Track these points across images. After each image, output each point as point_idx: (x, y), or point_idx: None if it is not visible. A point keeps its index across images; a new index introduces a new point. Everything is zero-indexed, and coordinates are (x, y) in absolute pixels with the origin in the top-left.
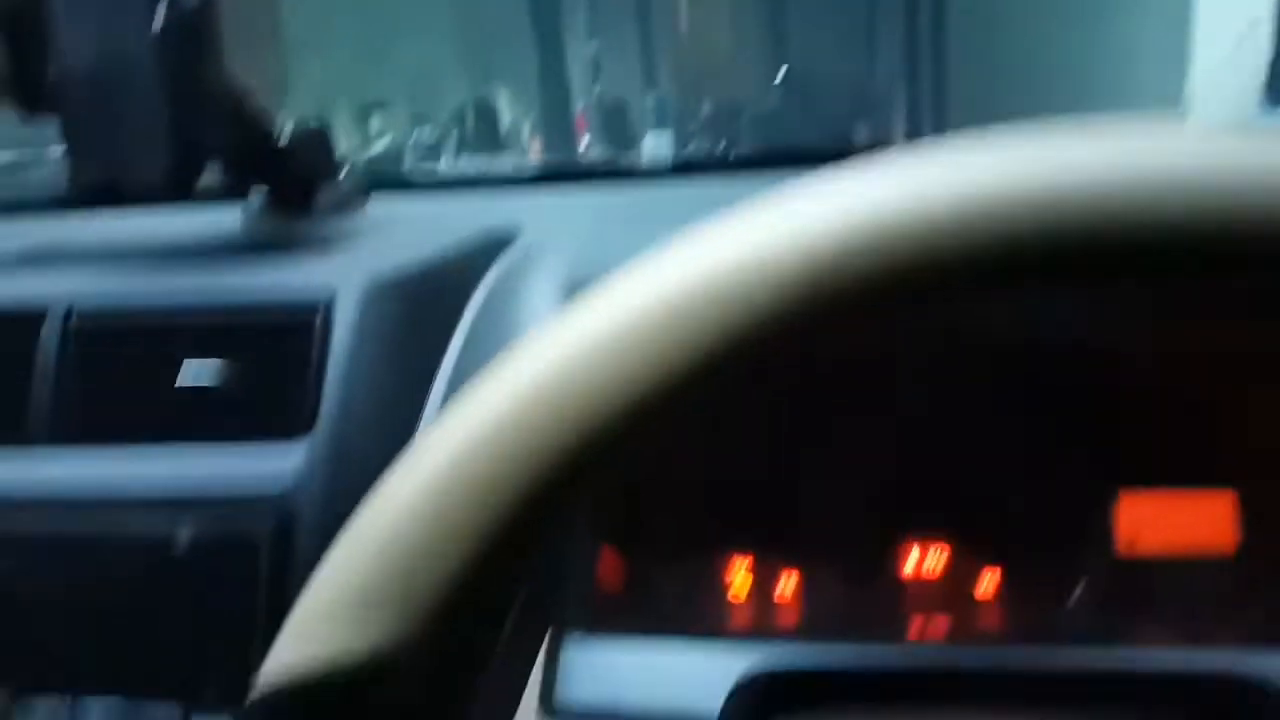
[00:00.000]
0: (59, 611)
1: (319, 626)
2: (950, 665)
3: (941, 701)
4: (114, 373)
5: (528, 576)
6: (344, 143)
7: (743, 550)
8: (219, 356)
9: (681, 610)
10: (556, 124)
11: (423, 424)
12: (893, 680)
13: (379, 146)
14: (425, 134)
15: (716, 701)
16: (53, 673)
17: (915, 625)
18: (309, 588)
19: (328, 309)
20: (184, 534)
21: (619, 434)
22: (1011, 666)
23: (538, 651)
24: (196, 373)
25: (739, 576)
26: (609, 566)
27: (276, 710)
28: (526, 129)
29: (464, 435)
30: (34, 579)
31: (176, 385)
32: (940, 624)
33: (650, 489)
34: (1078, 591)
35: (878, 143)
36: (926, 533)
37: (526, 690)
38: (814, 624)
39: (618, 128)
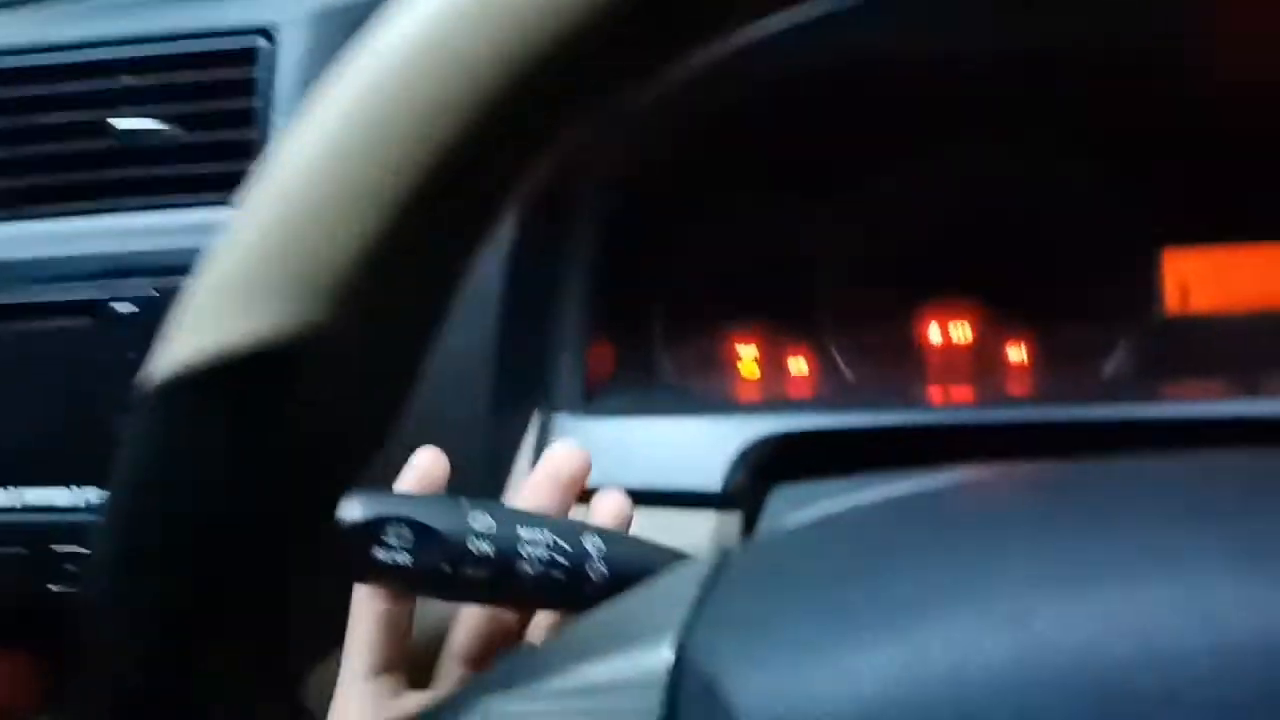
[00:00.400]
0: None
1: (215, 316)
2: (977, 423)
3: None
4: (44, 127)
5: (448, 245)
6: None
7: (751, 325)
8: (155, 103)
9: (682, 389)
10: None
11: None
12: (914, 440)
13: None
14: None
15: (718, 472)
16: None
17: (939, 392)
18: (201, 275)
19: (270, 39)
20: (119, 305)
21: (536, 65)
22: (1043, 420)
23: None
24: (132, 124)
25: (747, 352)
26: (600, 352)
27: (170, 406)
28: None
29: (356, 87)
30: None
31: (110, 140)
32: (966, 390)
33: (649, 265)
34: (1118, 353)
35: None
36: (952, 298)
37: (515, 470)
38: (829, 397)
39: None
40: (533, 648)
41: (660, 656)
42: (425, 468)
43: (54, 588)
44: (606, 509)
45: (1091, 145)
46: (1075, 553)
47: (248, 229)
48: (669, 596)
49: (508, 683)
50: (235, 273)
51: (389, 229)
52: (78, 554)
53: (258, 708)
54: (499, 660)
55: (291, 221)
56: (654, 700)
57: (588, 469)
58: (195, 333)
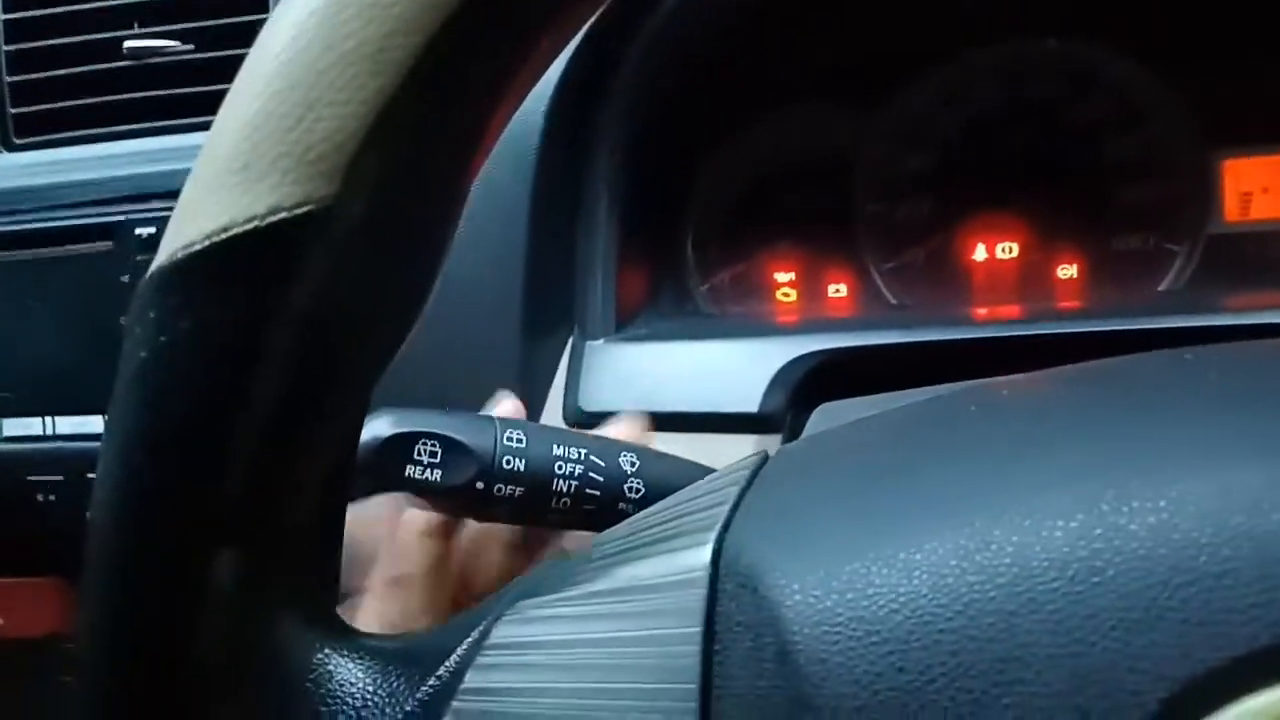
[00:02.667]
0: (23, 324)
1: (210, 199)
2: (1024, 336)
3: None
4: (58, 50)
5: (462, 112)
6: None
7: (788, 246)
8: (168, 21)
9: (718, 315)
10: None
11: None
12: (959, 357)
13: None
14: None
15: (755, 394)
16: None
17: (985, 310)
18: (202, 155)
19: None
20: (140, 229)
21: None
22: (1094, 332)
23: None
24: (143, 49)
25: (784, 276)
26: (632, 279)
27: (177, 290)
28: None
29: None
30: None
31: (125, 61)
32: (1014, 308)
33: (680, 186)
34: (1175, 265)
35: None
36: (998, 213)
37: (549, 396)
38: (870, 318)
39: None
40: (568, 553)
41: (700, 555)
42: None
43: (90, 515)
44: (623, 435)
45: (1148, 48)
46: (1133, 440)
47: (246, 104)
48: (708, 498)
49: (546, 586)
50: (236, 151)
51: (393, 95)
52: None
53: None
54: (532, 569)
55: (292, 92)
56: (695, 598)
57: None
58: (198, 215)
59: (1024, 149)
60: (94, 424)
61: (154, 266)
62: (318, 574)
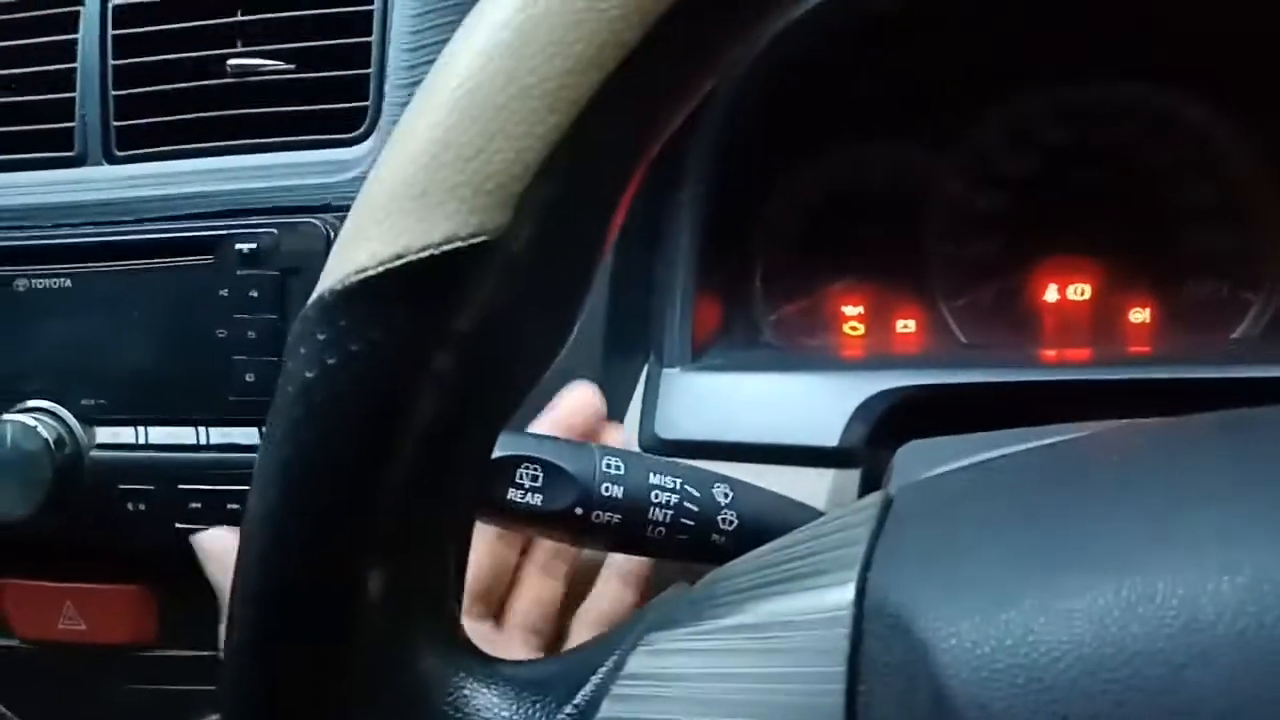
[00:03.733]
0: (119, 333)
1: (384, 224)
2: (1098, 381)
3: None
4: (163, 65)
5: (626, 147)
6: None
7: (857, 281)
8: (272, 41)
9: (788, 344)
10: None
11: None
12: (1033, 400)
13: None
14: None
15: (835, 428)
16: (118, 399)
17: (1056, 353)
18: (372, 184)
19: None
20: (240, 245)
21: None
22: (1167, 380)
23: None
24: (246, 67)
25: (853, 310)
26: (707, 309)
27: (346, 314)
28: None
29: None
30: (93, 297)
31: (229, 79)
32: (1085, 351)
33: (753, 218)
34: (1250, 314)
35: None
36: (1071, 254)
37: (625, 424)
38: (940, 356)
39: None
40: (685, 588)
41: (843, 593)
42: (583, 400)
43: (179, 525)
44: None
45: (1224, 92)
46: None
47: (425, 132)
48: (839, 535)
49: (677, 619)
50: (413, 178)
51: (568, 130)
52: (201, 492)
53: (418, 635)
54: (655, 601)
55: (473, 124)
56: (838, 636)
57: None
58: (370, 239)
59: (1097, 191)
60: (186, 435)
61: (322, 289)
62: (454, 597)
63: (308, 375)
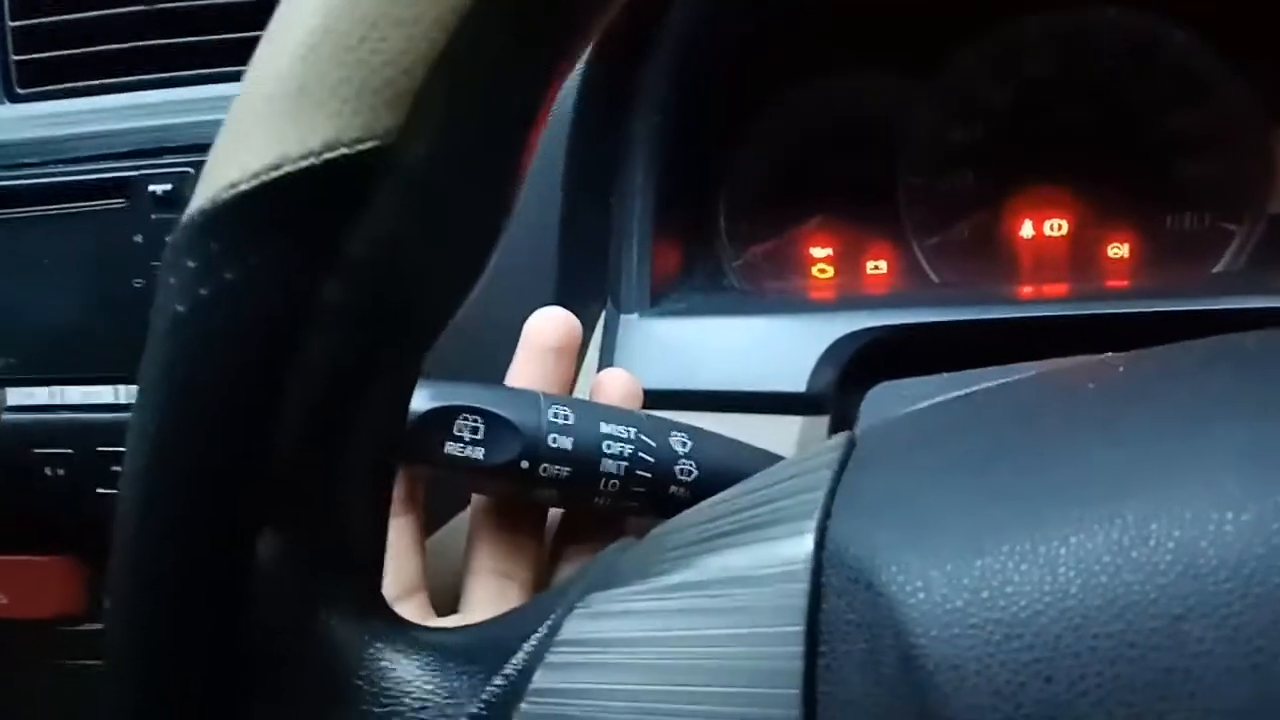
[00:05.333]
0: (28, 285)
1: (258, 130)
2: (1076, 316)
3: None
4: None
5: (540, 33)
6: None
7: (825, 220)
8: None
9: (754, 288)
10: None
11: None
12: (1007, 337)
13: None
14: None
15: (802, 373)
16: (29, 356)
17: (1032, 290)
18: (246, 84)
19: None
20: (155, 186)
21: None
22: (1147, 313)
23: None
24: None
25: (821, 251)
26: (667, 252)
27: (221, 234)
28: None
29: None
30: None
31: (137, 9)
32: (1062, 288)
33: (715, 155)
34: (1230, 247)
35: None
36: (1046, 188)
37: (581, 372)
38: (913, 296)
39: None
40: (632, 542)
41: (800, 545)
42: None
43: (101, 490)
44: (613, 389)
45: (1210, 20)
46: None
47: (301, 19)
48: (797, 481)
49: (619, 577)
50: (288, 74)
51: (471, 11)
52: (123, 454)
53: (324, 601)
54: (599, 556)
55: (354, 6)
56: (796, 592)
57: (574, 334)
58: (244, 150)
59: (1076, 122)
60: (104, 394)
61: (192, 208)
62: (368, 559)
63: (178, 309)
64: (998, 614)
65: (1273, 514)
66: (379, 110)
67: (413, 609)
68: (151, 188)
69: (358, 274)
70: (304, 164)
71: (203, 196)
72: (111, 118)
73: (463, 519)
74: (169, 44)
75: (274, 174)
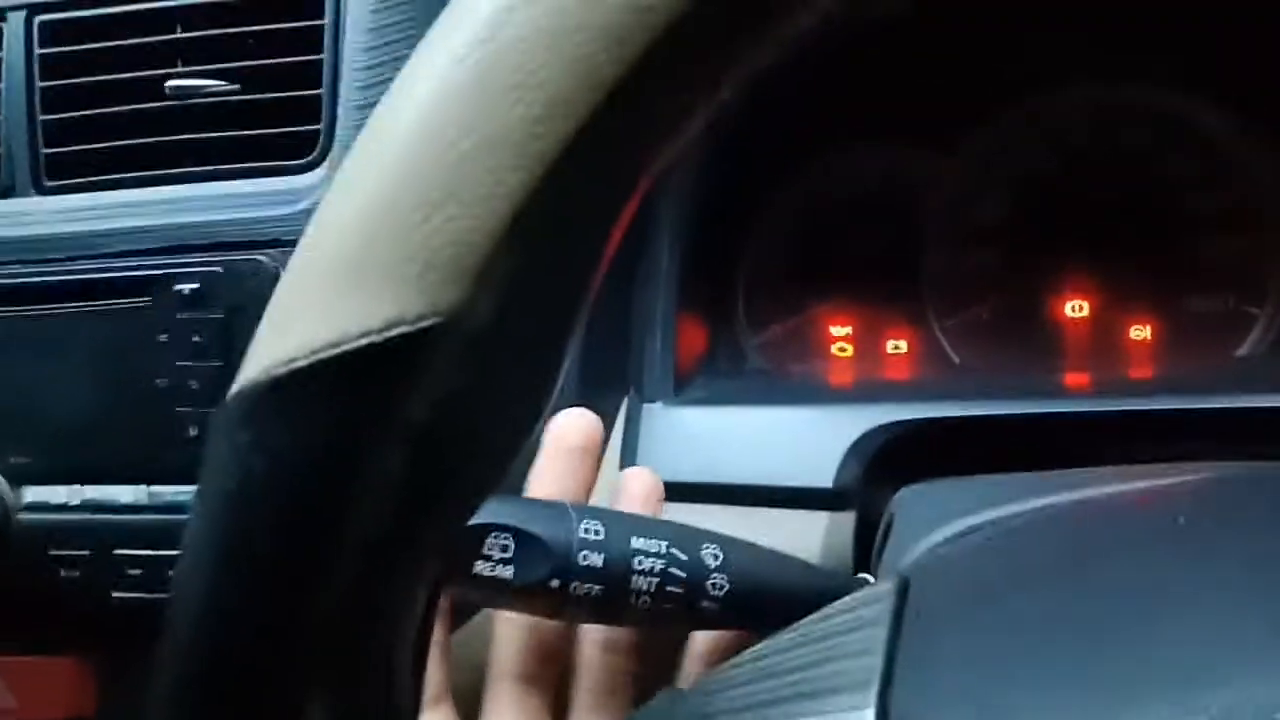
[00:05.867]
0: (50, 382)
1: (316, 305)
2: (1101, 412)
3: (1092, 454)
4: (96, 88)
5: (597, 212)
6: None
7: (845, 300)
8: (214, 60)
9: (773, 372)
10: None
11: None
12: (1031, 430)
13: None
14: None
15: (828, 468)
16: (48, 455)
17: (1055, 375)
18: (301, 255)
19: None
20: (181, 285)
21: None
22: (1167, 411)
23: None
24: (187, 88)
25: (841, 331)
26: (690, 334)
27: (276, 409)
28: None
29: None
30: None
31: (165, 104)
32: (1084, 375)
33: (735, 235)
34: (1255, 329)
35: None
36: (1068, 269)
37: (604, 463)
38: (934, 380)
39: None
40: (680, 694)
41: (862, 718)
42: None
43: (117, 594)
44: (636, 490)
45: (1233, 99)
46: None
47: (363, 193)
48: (853, 639)
49: None
50: (349, 249)
51: (535, 190)
52: (141, 558)
53: None
54: (645, 711)
55: (414, 183)
56: None
57: (598, 435)
58: (301, 323)
59: (1100, 200)
60: (124, 494)
61: (245, 380)
62: (411, 704)
63: (230, 485)
64: None
65: None
66: (443, 288)
67: (438, 718)
68: (177, 286)
69: (415, 442)
70: (363, 342)
71: (257, 368)
72: (139, 213)
73: (486, 614)
74: (197, 139)
75: (332, 352)
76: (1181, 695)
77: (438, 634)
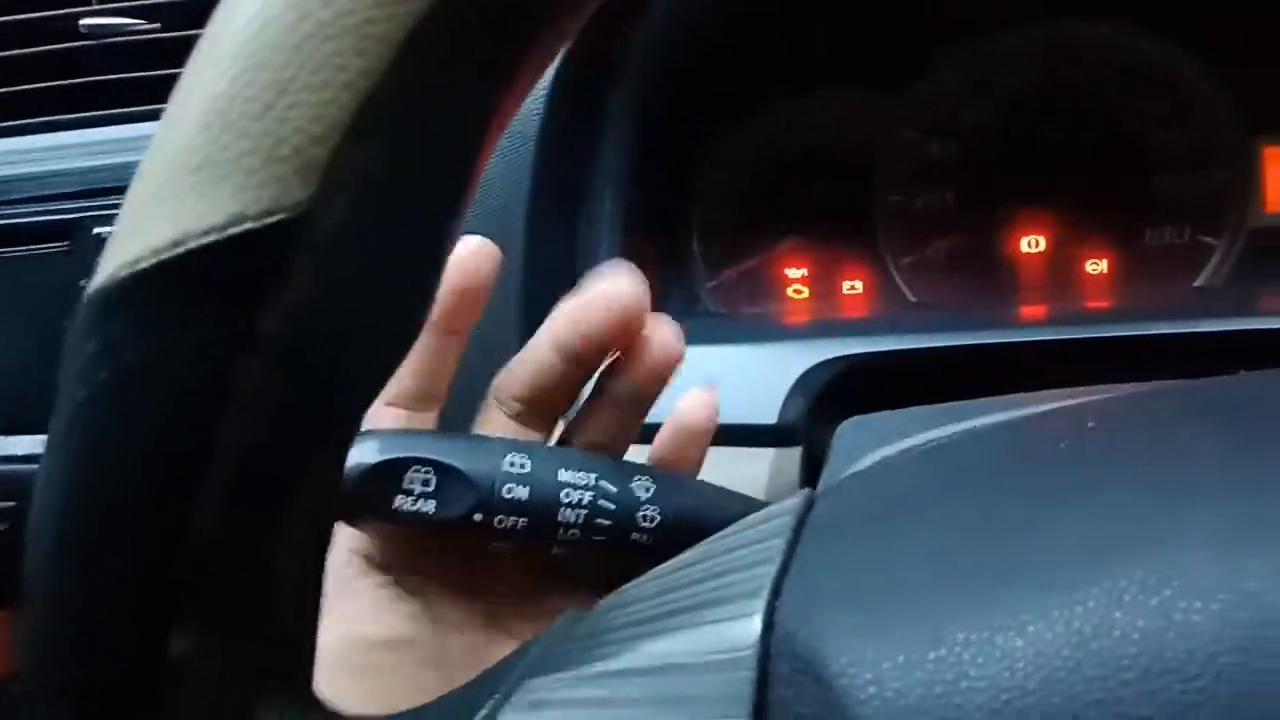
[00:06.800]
0: None
1: (159, 205)
2: (1054, 341)
3: (1047, 385)
4: (6, 33)
5: (459, 95)
6: None
7: (800, 240)
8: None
9: (729, 311)
10: None
11: None
12: (985, 362)
13: None
14: None
15: (773, 403)
16: None
17: (1011, 309)
18: (150, 155)
19: None
20: (100, 228)
21: None
22: (1127, 337)
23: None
24: (102, 27)
25: (796, 271)
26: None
27: (114, 317)
28: None
29: None
30: None
31: (79, 44)
32: (1040, 308)
33: (686, 175)
34: (1211, 260)
35: None
36: (1023, 204)
37: None
38: (889, 317)
39: None
40: (581, 616)
41: (745, 628)
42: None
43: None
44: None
45: (1188, 33)
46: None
47: (204, 87)
48: (749, 551)
49: (559, 660)
50: (191, 146)
51: (381, 77)
52: None
53: (244, 685)
54: (542, 634)
55: (259, 72)
56: (741, 681)
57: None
58: (145, 225)
59: (1055, 138)
60: (34, 444)
61: (92, 287)
62: (296, 645)
63: (81, 395)
64: (952, 712)
65: (1244, 603)
66: (287, 181)
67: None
68: (95, 230)
69: (273, 352)
70: (207, 240)
71: (103, 274)
72: (54, 157)
73: None
74: (111, 79)
75: (176, 250)
76: (1059, 586)
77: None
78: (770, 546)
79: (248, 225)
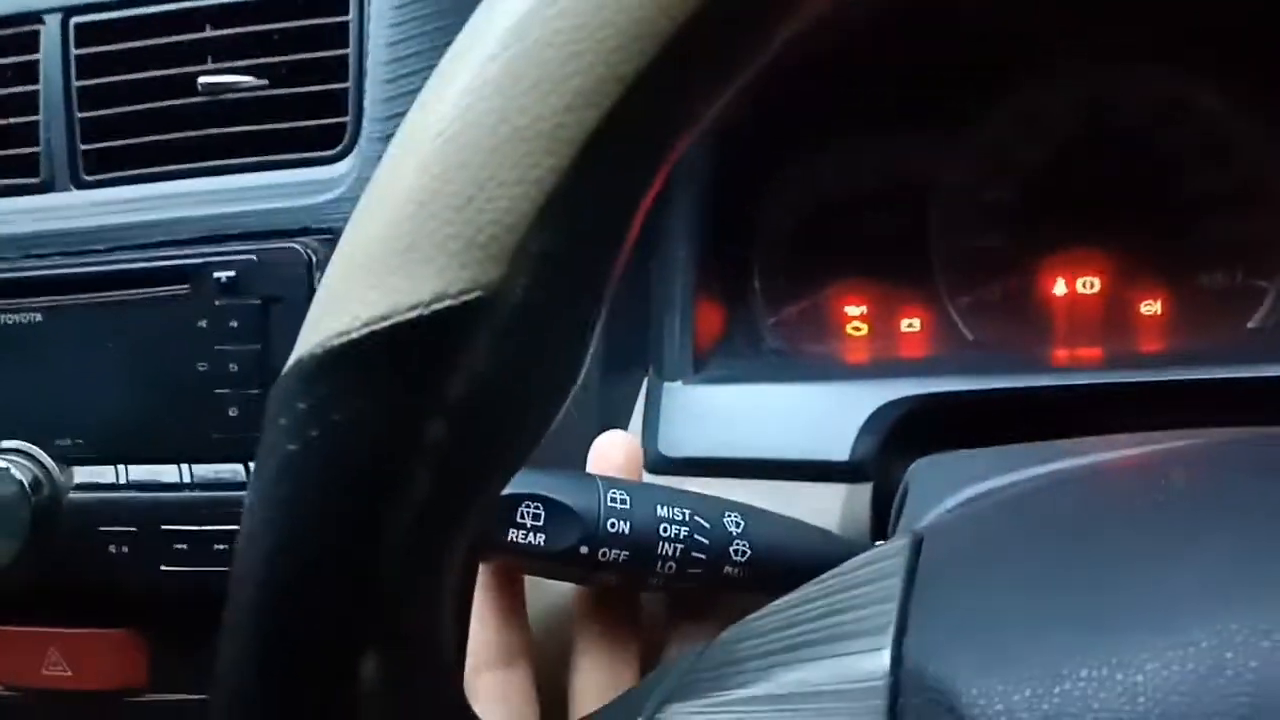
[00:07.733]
0: (95, 368)
1: (367, 282)
2: (1111, 384)
3: (1104, 426)
4: (131, 85)
5: (625, 192)
6: None
7: (859, 279)
8: (244, 56)
9: (789, 350)
10: None
11: None
12: (1043, 403)
13: None
14: None
15: (845, 441)
16: (96, 437)
17: (1067, 351)
18: (348, 239)
19: None
20: (218, 272)
21: None
22: (1179, 382)
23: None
24: (218, 85)
25: (855, 310)
26: (707, 315)
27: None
28: None
29: (520, 12)
30: (66, 331)
31: (197, 100)
32: (1096, 350)
33: (750, 217)
34: (1265, 302)
35: None
36: (1079, 246)
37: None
38: (948, 357)
39: None
40: (707, 648)
41: (877, 660)
42: (623, 452)
43: (166, 567)
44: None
45: (1237, 78)
46: None
47: (409, 180)
48: (868, 590)
49: (696, 687)
50: (397, 231)
51: (566, 173)
52: (185, 533)
53: (416, 704)
54: (674, 663)
55: (461, 170)
56: (874, 709)
57: (637, 457)
58: (352, 300)
59: (1107, 180)
60: (167, 473)
61: (301, 353)
62: (452, 665)
63: (289, 448)
64: None
65: None
66: (484, 264)
67: (517, 676)
68: (215, 274)
69: (458, 414)
70: (412, 315)
71: (311, 342)
72: (174, 205)
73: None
74: (228, 133)
75: (383, 324)
76: (1173, 628)
77: (508, 599)
78: (888, 586)
79: (448, 303)
